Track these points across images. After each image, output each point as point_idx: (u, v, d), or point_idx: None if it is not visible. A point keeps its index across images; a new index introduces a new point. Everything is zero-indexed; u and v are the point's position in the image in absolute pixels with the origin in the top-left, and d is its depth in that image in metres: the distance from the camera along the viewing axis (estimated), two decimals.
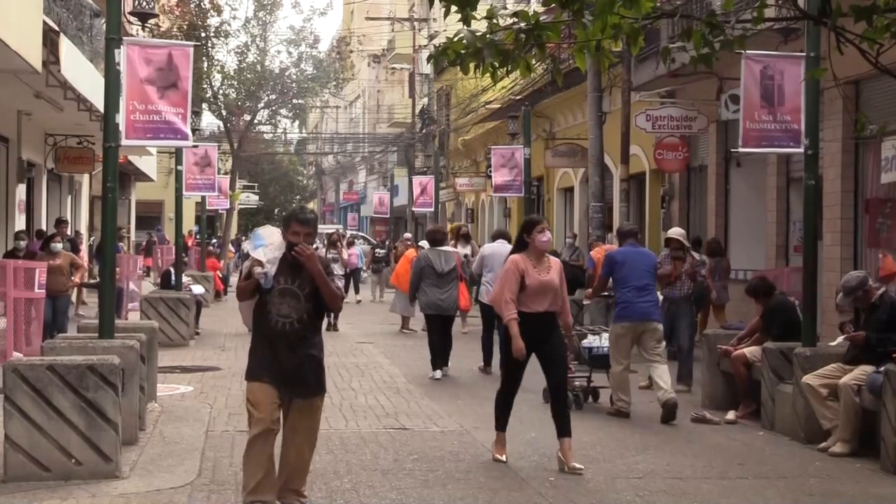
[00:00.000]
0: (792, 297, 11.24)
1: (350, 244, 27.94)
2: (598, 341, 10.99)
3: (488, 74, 6.09)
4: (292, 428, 6.49)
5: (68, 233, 19.19)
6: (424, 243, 15.28)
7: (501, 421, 8.47)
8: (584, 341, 11.05)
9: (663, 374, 10.35)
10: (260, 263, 6.35)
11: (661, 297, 11.90)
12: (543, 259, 8.29)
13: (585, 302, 13.47)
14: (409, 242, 24.56)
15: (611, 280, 10.89)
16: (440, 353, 13.23)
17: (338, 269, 19.44)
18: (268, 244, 6.40)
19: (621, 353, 10.54)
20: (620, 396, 10.56)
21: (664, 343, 10.93)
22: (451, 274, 13.36)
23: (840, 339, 9.50)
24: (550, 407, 8.38)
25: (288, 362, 6.38)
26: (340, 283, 19.04)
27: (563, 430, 8.11)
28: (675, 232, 13.00)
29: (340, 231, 34.15)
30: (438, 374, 13.09)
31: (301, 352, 6.42)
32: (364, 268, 29.73)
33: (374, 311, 24.84)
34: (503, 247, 14.05)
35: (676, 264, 12.37)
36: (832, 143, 13.75)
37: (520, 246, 8.39)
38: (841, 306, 9.73)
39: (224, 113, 35.00)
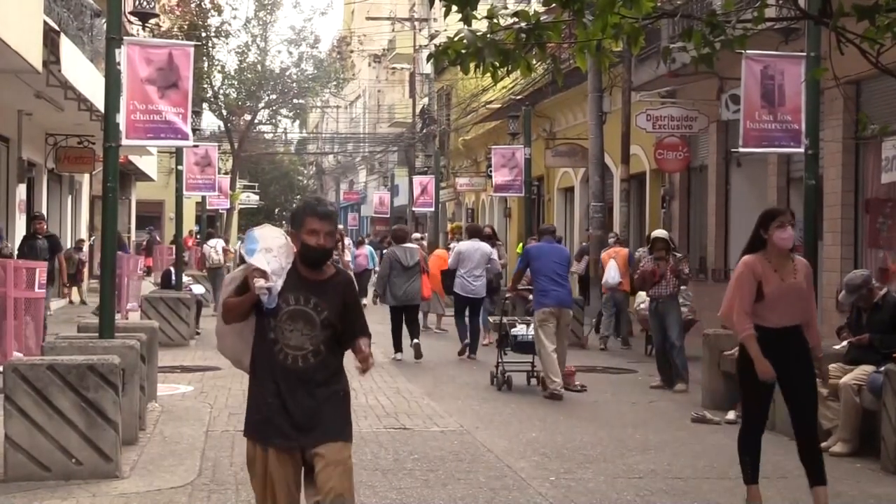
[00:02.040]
0: None
1: (359, 244, 27.45)
2: (524, 330, 12.30)
3: (489, 74, 6.07)
4: (324, 476, 4.65)
5: (46, 229, 17.06)
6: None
7: (750, 470, 6.82)
8: (514, 330, 12.39)
9: (553, 365, 11.51)
10: (262, 274, 4.58)
11: (647, 298, 13.19)
12: (787, 261, 6.69)
13: (508, 295, 14.86)
14: (423, 243, 24.17)
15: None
16: (401, 339, 14.96)
17: None
18: (261, 248, 4.64)
19: (547, 336, 11.62)
20: (552, 378, 11.52)
21: (570, 326, 12.87)
22: (416, 268, 14.91)
23: (843, 344, 9.47)
24: (799, 450, 6.76)
25: (302, 408, 4.68)
26: None
27: (818, 477, 6.68)
28: (662, 232, 13.26)
29: (341, 231, 33.84)
30: (399, 355, 14.75)
31: (320, 392, 4.73)
32: (375, 269, 28.46)
33: (375, 311, 24.76)
34: (477, 244, 15.34)
35: (660, 264, 12.45)
36: (832, 143, 13.74)
37: (755, 244, 6.77)
38: (842, 305, 9.71)
39: (224, 113, 35.01)
